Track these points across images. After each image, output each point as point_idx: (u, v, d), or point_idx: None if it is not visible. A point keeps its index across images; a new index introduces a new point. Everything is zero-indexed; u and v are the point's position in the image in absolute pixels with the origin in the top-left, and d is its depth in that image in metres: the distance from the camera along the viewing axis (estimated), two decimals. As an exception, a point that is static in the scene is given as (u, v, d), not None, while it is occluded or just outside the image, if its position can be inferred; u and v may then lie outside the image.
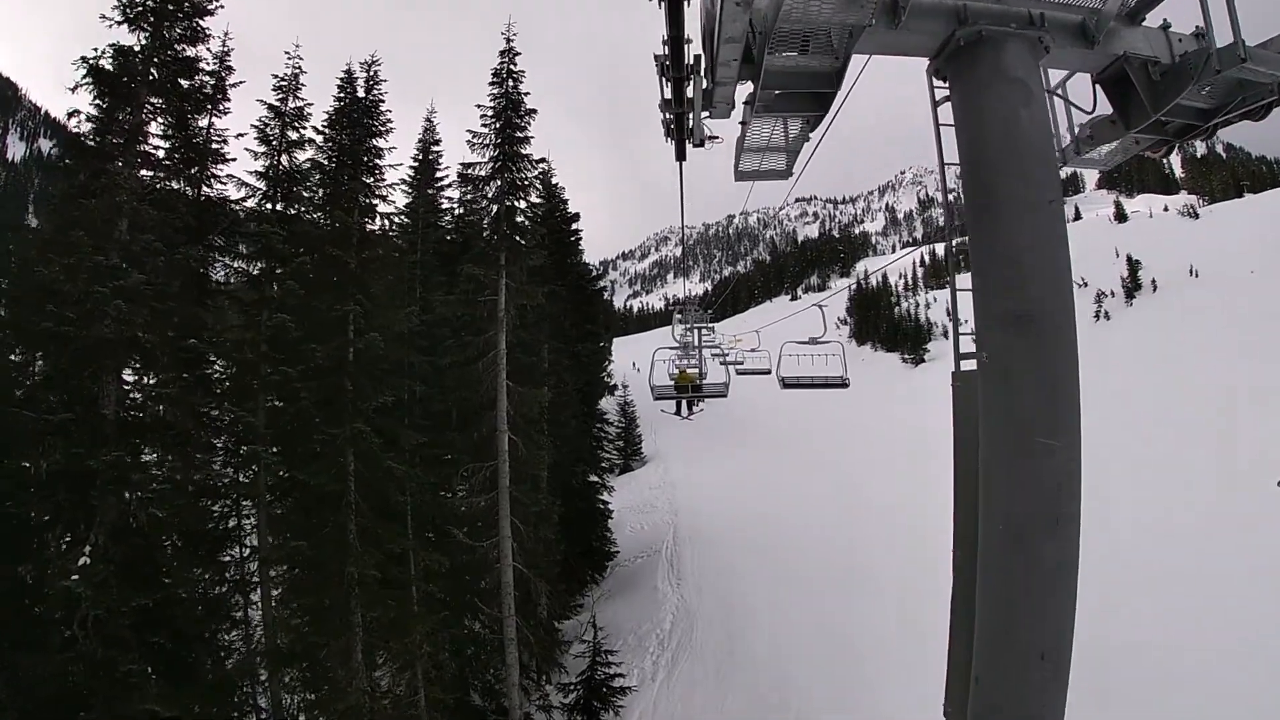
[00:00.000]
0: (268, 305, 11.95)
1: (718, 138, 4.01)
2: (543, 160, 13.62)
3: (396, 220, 18.09)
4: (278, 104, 14.18)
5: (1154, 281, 72.91)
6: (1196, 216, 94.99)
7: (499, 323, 13.17)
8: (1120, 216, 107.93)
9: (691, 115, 3.76)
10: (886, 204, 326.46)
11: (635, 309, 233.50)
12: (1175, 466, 32.14)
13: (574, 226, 19.55)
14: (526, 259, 13.74)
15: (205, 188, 14.54)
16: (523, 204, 13.77)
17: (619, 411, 49.86)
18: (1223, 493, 25.87)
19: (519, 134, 13.67)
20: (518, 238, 13.69)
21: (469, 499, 13.00)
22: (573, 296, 18.55)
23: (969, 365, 3.65)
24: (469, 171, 13.98)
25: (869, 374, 79.49)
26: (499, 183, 13.55)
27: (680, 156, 4.15)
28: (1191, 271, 70.60)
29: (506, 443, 12.98)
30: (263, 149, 14.08)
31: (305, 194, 14.17)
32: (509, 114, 13.58)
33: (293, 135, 14.06)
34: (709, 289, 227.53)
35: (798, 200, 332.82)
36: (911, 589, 21.15)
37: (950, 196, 3.88)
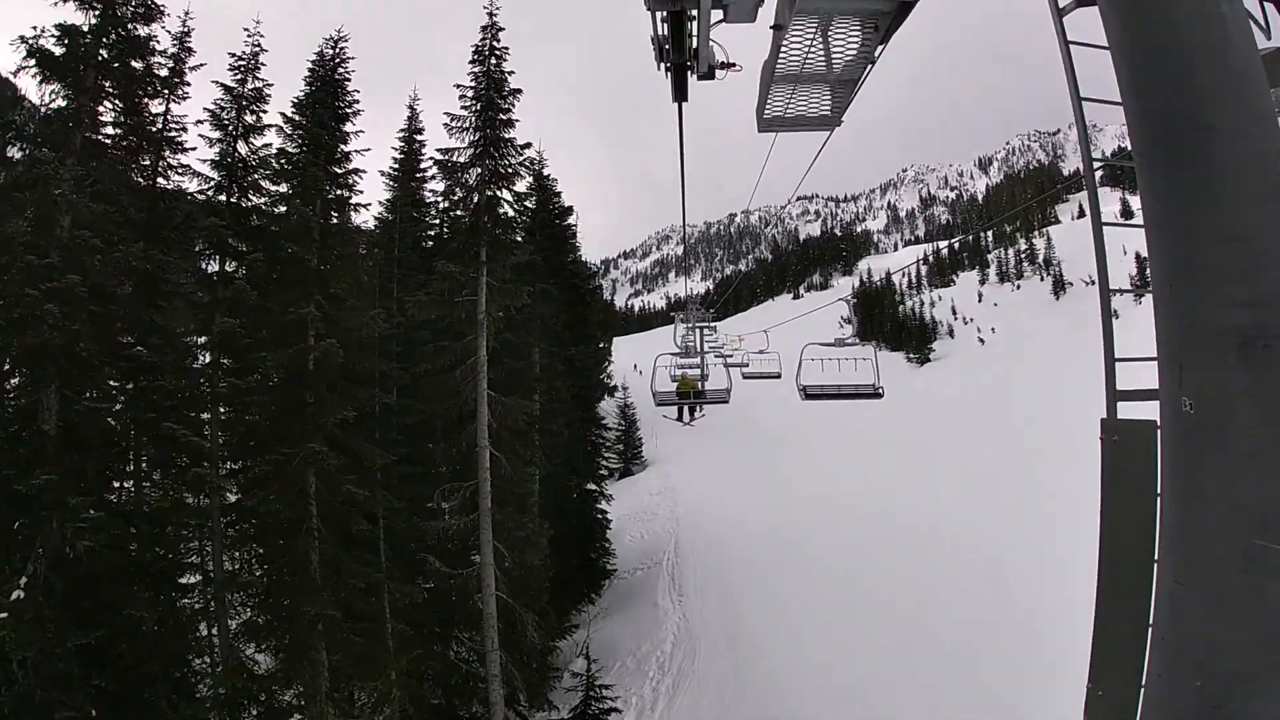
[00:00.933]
0: (218, 308, 10.63)
1: (734, 65, 2.68)
2: (528, 146, 12.29)
3: (377, 216, 16.83)
4: (234, 85, 12.86)
5: (1164, 279, 71.72)
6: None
7: (479, 326, 11.81)
8: (1126, 213, 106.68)
9: (695, 28, 2.46)
10: (888, 202, 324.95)
11: (636, 308, 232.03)
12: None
13: (568, 221, 18.14)
14: (510, 255, 12.39)
15: (161, 179, 13.29)
16: (507, 194, 12.46)
17: (619, 414, 48.54)
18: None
19: (502, 116, 12.29)
20: (500, 231, 12.34)
21: (447, 522, 11.68)
22: (566, 296, 17.20)
23: (1132, 408, 2.37)
24: (447, 158, 12.60)
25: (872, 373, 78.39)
26: (479, 170, 12.19)
27: (679, 96, 2.82)
28: (1201, 269, 69.44)
29: (488, 459, 11.63)
30: (217, 135, 12.76)
31: (269, 185, 12.83)
32: (490, 94, 12.20)
33: (250, 119, 12.73)
34: (710, 288, 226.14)
35: (799, 199, 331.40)
36: (929, 607, 19.98)
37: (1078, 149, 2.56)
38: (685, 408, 17.40)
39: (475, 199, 12.10)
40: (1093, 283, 65.74)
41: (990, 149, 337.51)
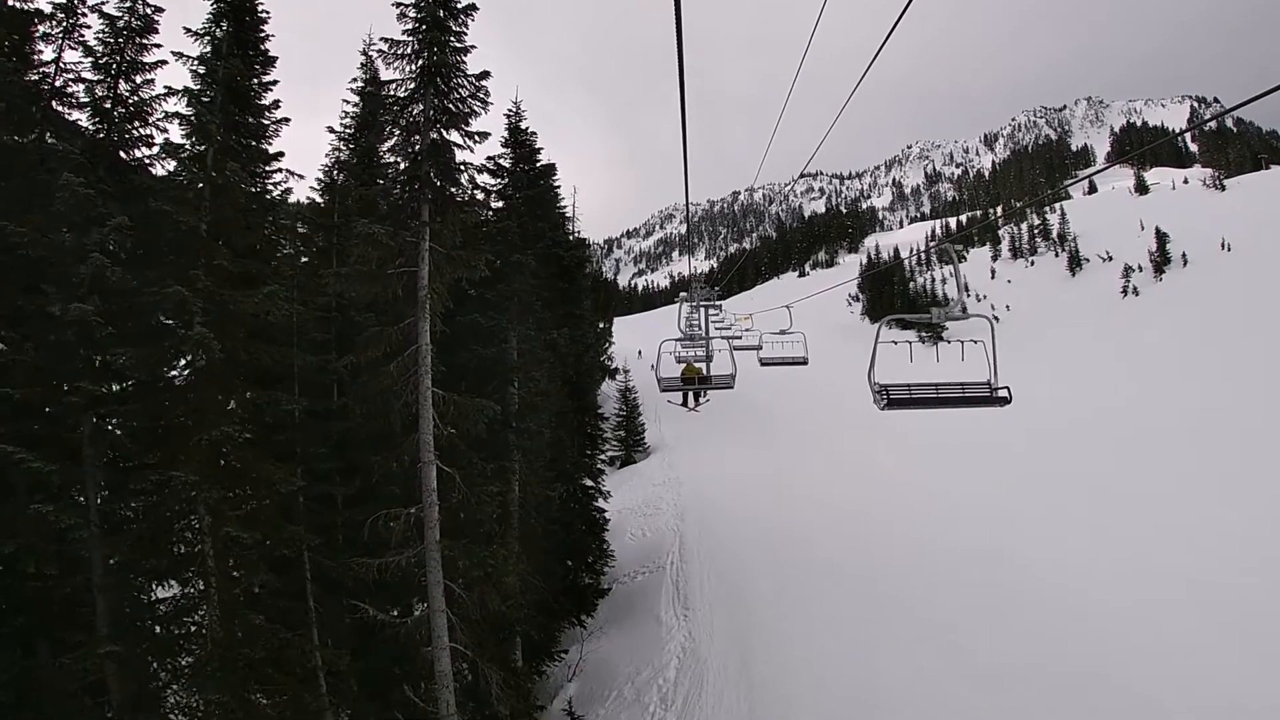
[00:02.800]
0: (77, 290, 8.01)
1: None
2: (486, 76, 9.46)
3: (320, 180, 14.08)
4: (119, 14, 10.15)
5: (1184, 255, 69.25)
6: (1223, 188, 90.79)
7: (419, 305, 9.27)
8: (1141, 188, 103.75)
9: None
10: (893, 179, 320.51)
11: (640, 287, 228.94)
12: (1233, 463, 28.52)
13: (551, 182, 15.26)
14: (463, 214, 9.68)
15: (50, 137, 10.64)
16: (457, 136, 9.70)
17: (620, 398, 45.94)
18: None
19: (452, 39, 9.53)
20: (448, 185, 9.65)
21: (385, 559, 9.11)
22: (546, 270, 14.50)
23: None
24: (379, 90, 9.84)
25: (883, 353, 75.47)
26: (422, 107, 9.50)
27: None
28: (1224, 245, 66.86)
29: (435, 478, 9.15)
30: (97, 77, 10.07)
31: (160, 138, 10.14)
32: (437, 10, 9.43)
33: (137, 56, 10.02)
34: (715, 266, 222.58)
35: (803, 176, 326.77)
36: (966, 621, 17.56)
37: None
38: (690, 392, 17.00)
39: (416, 143, 9.40)
40: (1110, 258, 62.18)
41: (996, 125, 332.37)
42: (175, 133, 10.32)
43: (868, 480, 32.00)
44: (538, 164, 14.82)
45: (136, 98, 10.06)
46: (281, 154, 12.28)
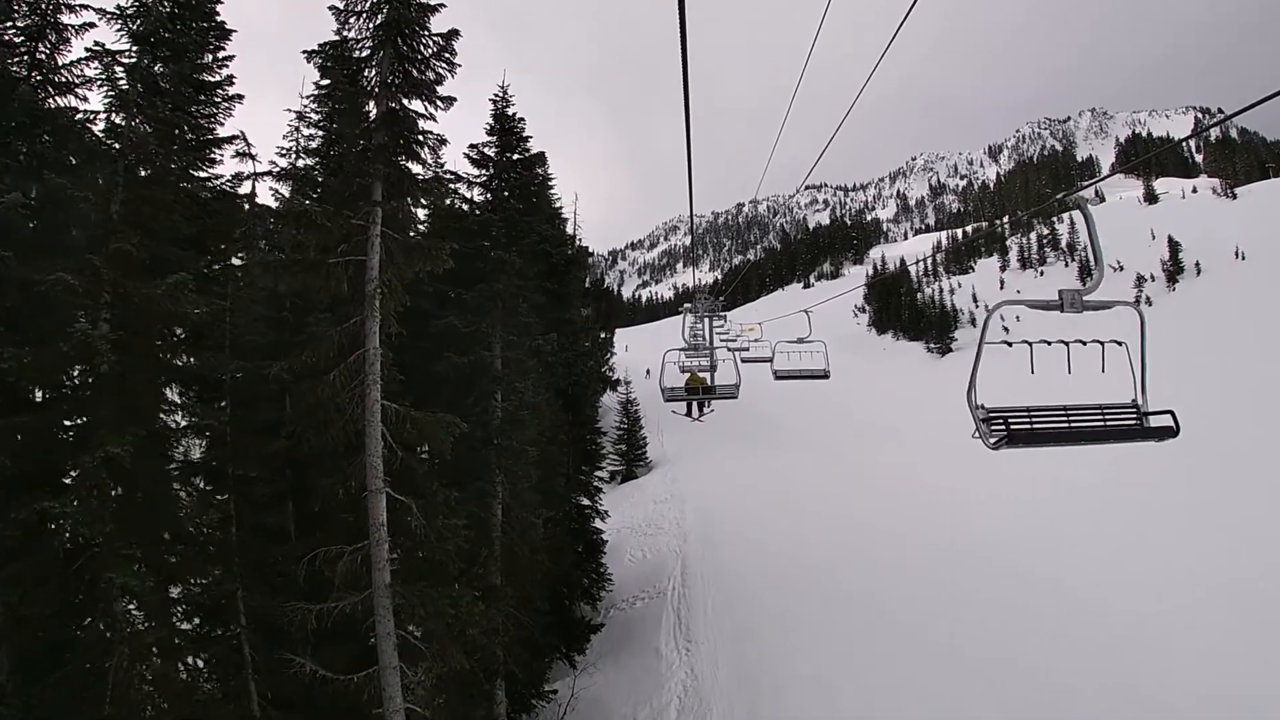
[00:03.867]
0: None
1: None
2: (455, 35, 8.02)
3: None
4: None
5: (1197, 264, 67.73)
6: (1234, 196, 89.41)
7: (367, 301, 7.61)
8: (1151, 197, 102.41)
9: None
10: (898, 190, 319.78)
11: (644, 298, 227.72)
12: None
13: (541, 172, 13.78)
14: (425, 196, 8.24)
15: None
16: (418, 105, 8.28)
17: (621, 410, 44.37)
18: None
19: (416, -6, 8.13)
20: (407, 160, 8.21)
21: (327, 605, 7.61)
22: (533, 269, 13.03)
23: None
24: (341, 52, 8.36)
25: (892, 365, 73.84)
26: (377, 70, 8.08)
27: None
28: (1237, 253, 65.26)
29: (384, 509, 7.77)
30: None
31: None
32: (400, -42, 8.06)
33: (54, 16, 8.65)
34: (719, 278, 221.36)
35: (808, 188, 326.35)
36: (1007, 655, 15.97)
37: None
38: (694, 403, 16.86)
39: (370, 111, 7.99)
40: (1121, 268, 60.63)
41: (1000, 136, 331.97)
42: (96, 102, 8.98)
43: (880, 493, 30.38)
44: (527, 152, 13.41)
45: (54, 61, 8.66)
46: (236, 137, 10.99)
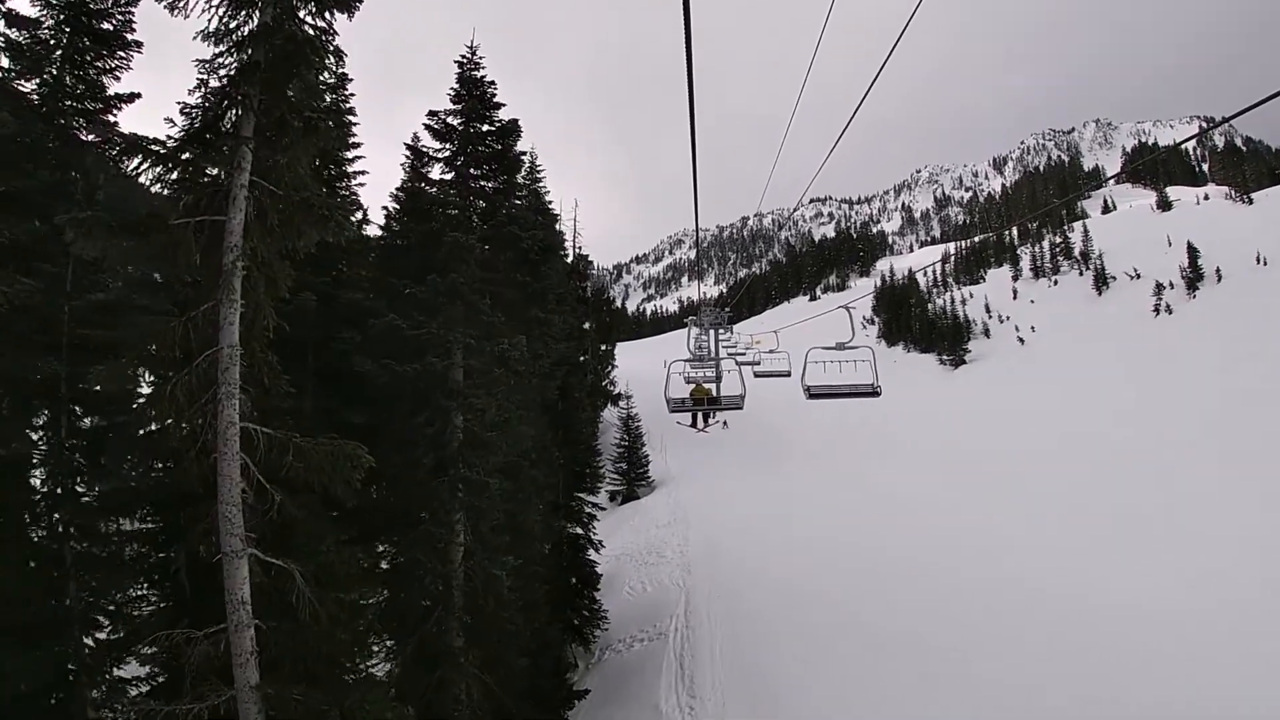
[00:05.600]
0: None
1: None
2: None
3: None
4: None
5: (1218, 271, 65.09)
6: (1250, 201, 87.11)
7: (223, 279, 5.30)
8: (1164, 204, 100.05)
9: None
10: (903, 203, 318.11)
11: (649, 312, 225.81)
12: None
13: (513, 143, 11.33)
14: (324, 140, 5.91)
15: None
16: (314, 23, 5.81)
17: (622, 426, 41.95)
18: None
19: None
20: (293, 89, 5.83)
21: (173, 707, 5.25)
22: (500, 257, 10.61)
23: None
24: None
25: (903, 378, 70.89)
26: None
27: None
28: (1259, 259, 62.72)
29: (245, 580, 5.23)
30: None
31: None
32: None
33: None
34: (724, 291, 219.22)
35: (813, 201, 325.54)
36: (1026, 686, 13.71)
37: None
38: (699, 413, 16.74)
39: (249, 19, 5.61)
40: (1138, 276, 58.03)
41: (1004, 148, 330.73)
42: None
43: (900, 520, 27.80)
44: (497, 122, 11.11)
45: None
46: (136, 95, 8.79)
